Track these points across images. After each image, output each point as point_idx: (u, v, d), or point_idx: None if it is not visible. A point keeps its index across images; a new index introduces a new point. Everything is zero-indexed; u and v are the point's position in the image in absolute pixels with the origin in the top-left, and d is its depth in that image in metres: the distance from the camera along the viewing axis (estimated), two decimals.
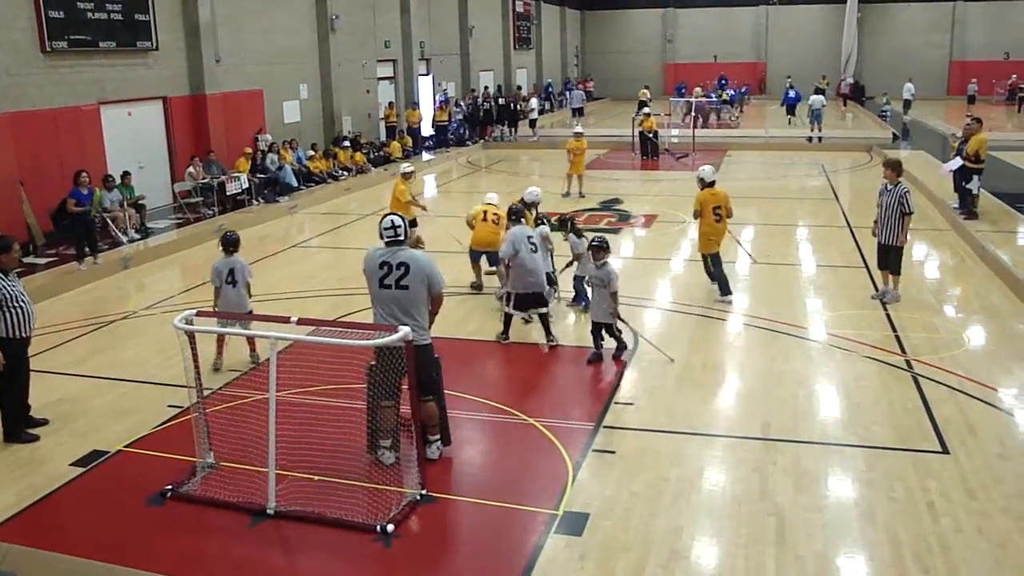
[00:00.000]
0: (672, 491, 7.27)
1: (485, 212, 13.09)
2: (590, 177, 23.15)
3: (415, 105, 32.68)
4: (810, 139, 32.38)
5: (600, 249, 10.27)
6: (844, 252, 15.35)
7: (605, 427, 8.51)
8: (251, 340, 10.32)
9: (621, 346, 10.40)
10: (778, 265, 14.68)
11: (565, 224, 12.55)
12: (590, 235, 11.28)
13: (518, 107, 35.83)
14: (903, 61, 50.73)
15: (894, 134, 32.35)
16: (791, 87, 38.43)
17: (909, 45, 52.59)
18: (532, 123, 35.12)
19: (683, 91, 42.48)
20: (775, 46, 56.32)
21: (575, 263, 12.08)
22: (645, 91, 40.06)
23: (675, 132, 32.38)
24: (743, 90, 47.99)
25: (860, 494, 7.18)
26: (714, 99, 39.96)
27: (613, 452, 7.98)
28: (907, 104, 40.31)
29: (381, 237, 7.59)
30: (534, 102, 35.75)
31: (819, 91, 35.74)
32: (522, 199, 12.82)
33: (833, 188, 22.66)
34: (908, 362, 10.05)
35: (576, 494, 7.24)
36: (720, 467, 7.74)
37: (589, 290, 10.84)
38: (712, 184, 12.83)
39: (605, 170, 26.31)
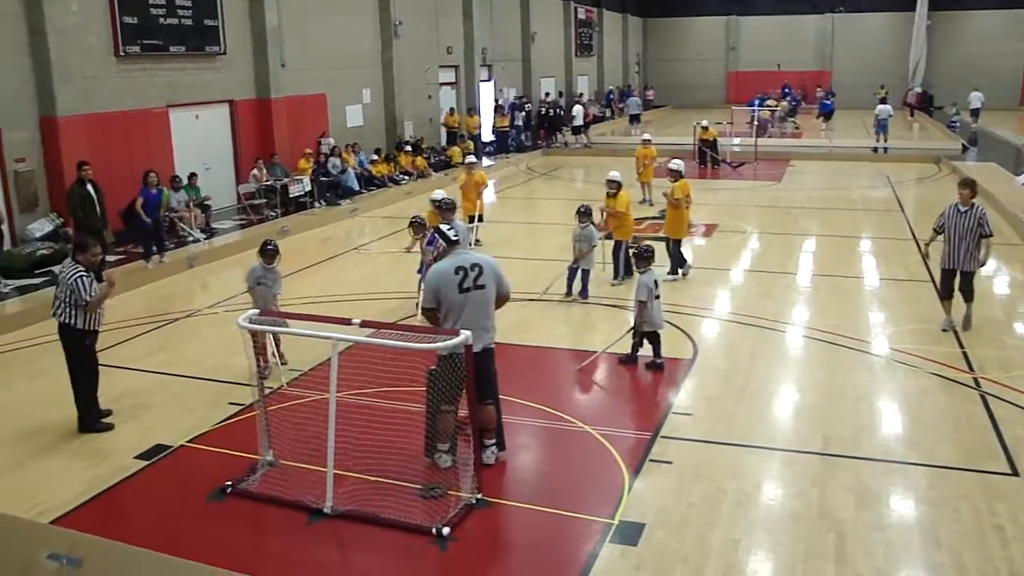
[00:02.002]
0: (729, 503, 7.20)
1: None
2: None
3: (476, 111, 32.84)
4: (875, 150, 31.87)
5: (641, 257, 10.45)
6: (909, 266, 15.05)
7: (663, 437, 8.45)
8: (277, 344, 10.33)
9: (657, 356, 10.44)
10: (840, 277, 14.44)
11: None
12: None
13: (558, 114, 35.87)
14: (973, 70, 49.33)
15: (963, 145, 31.68)
16: (828, 95, 38.09)
17: (980, 53, 51.15)
18: (576, 130, 34.97)
19: (760, 102, 41.37)
20: (841, 54, 55.33)
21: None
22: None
23: (736, 141, 32.10)
24: (800, 97, 47.43)
25: (923, 514, 7.03)
26: (783, 109, 39.72)
27: (670, 462, 7.92)
28: (975, 113, 39.47)
29: (444, 241, 7.61)
30: (577, 109, 35.72)
31: (883, 100, 35.15)
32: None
33: (899, 200, 22.26)
34: (975, 380, 9.81)
35: (632, 503, 7.20)
36: (778, 481, 7.64)
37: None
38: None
39: (666, 178, 26.08)
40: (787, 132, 38.42)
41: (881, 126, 32.24)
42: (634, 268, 11.05)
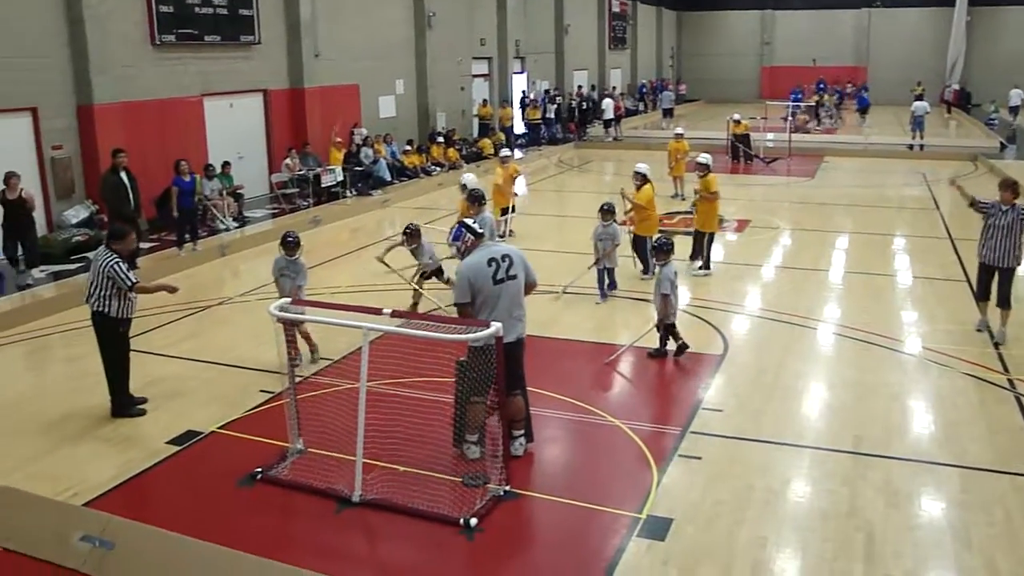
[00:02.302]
0: (758, 501, 7.16)
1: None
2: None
3: (508, 103, 32.82)
4: (911, 147, 31.49)
5: (661, 250, 10.47)
6: (944, 265, 14.88)
7: (692, 432, 8.41)
8: (309, 338, 10.32)
9: (682, 347, 10.51)
10: (874, 275, 14.30)
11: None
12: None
13: (589, 107, 35.75)
14: (1013, 67, 48.43)
15: (1001, 143, 31.26)
16: (863, 90, 37.87)
17: (1020, 50, 50.14)
18: (606, 123, 34.84)
19: (797, 97, 41.10)
20: (877, 50, 54.58)
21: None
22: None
23: (770, 136, 31.86)
24: (847, 91, 46.96)
25: (955, 516, 6.94)
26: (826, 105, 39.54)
27: (699, 458, 7.89)
28: (1014, 111, 38.92)
29: (472, 234, 7.61)
30: (607, 102, 35.59)
31: (919, 97, 34.72)
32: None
33: (934, 198, 21.99)
34: (1010, 381, 9.68)
35: (660, 499, 7.18)
36: (808, 479, 7.58)
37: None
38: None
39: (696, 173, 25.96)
40: (831, 128, 37.99)
41: (917, 123, 31.83)
42: (654, 261, 11.01)
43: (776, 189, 23.71)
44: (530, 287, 7.84)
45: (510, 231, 16.34)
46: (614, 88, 42.02)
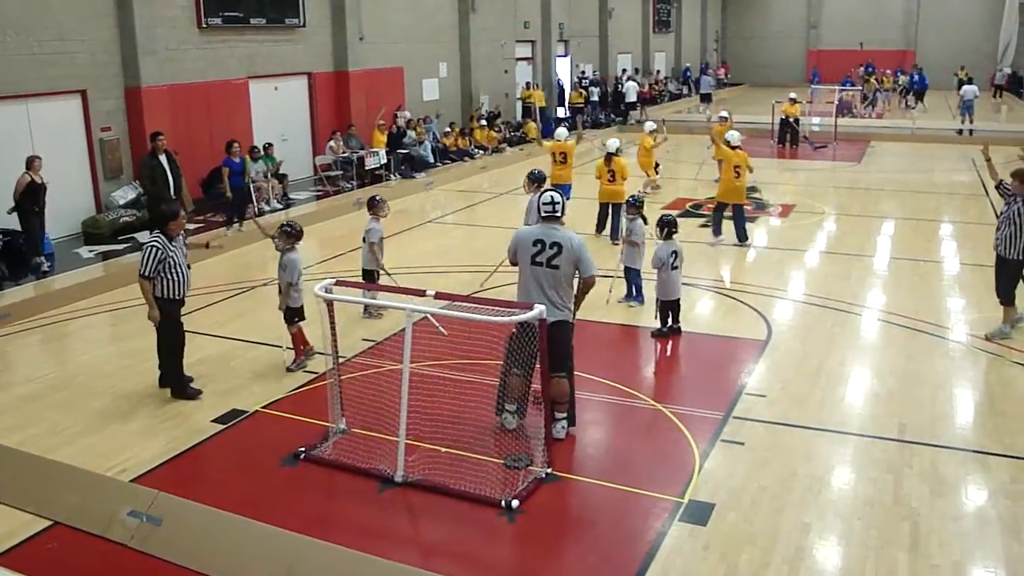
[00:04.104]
0: (801, 487, 7.10)
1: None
2: None
3: (538, 86, 32.70)
4: (960, 131, 30.90)
5: (664, 225, 10.69)
6: (993, 252, 14.55)
7: (735, 417, 8.36)
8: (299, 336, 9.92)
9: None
10: (921, 261, 14.09)
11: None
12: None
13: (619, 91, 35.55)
14: None
15: None
16: (920, 71, 37.31)
17: None
18: (629, 107, 34.51)
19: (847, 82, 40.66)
20: (926, 33, 53.44)
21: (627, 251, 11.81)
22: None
23: (816, 121, 31.43)
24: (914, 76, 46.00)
25: (1003, 507, 6.83)
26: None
27: (742, 443, 7.84)
28: None
29: (538, 211, 7.72)
30: (629, 86, 35.30)
31: (968, 81, 33.97)
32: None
33: (983, 183, 21.54)
34: None
35: (702, 483, 7.15)
36: (852, 466, 7.51)
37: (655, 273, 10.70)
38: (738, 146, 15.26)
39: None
40: (880, 112, 37.35)
41: (967, 107, 31.19)
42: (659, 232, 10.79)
43: (821, 174, 23.40)
44: (586, 283, 7.76)
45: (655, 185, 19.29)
46: (636, 71, 41.52)
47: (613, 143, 15.43)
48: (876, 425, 8.27)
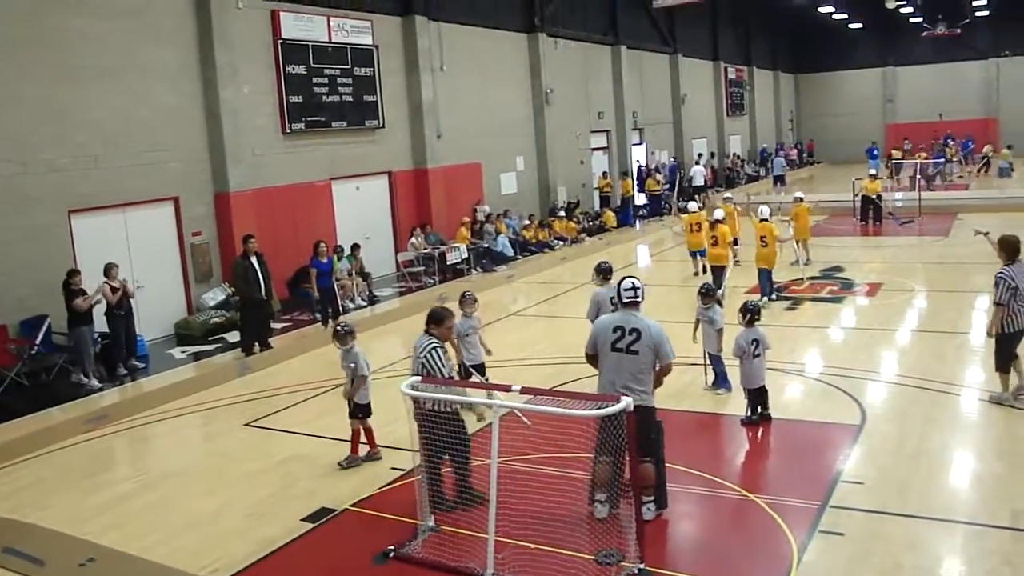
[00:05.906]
0: None
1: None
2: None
3: (627, 175, 32.93)
4: None
5: (753, 313, 10.60)
6: None
7: (832, 507, 8.07)
8: (370, 437, 10.10)
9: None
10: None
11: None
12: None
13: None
14: None
15: None
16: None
17: None
18: (696, 191, 33.91)
19: (875, 152, 41.66)
20: (1008, 101, 52.48)
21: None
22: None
23: (899, 196, 30.96)
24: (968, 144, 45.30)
25: None
26: (941, 159, 38.20)
27: (841, 534, 7.54)
28: None
29: (620, 299, 7.73)
30: (696, 170, 35.32)
31: None
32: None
33: None
34: None
35: None
36: (963, 557, 7.16)
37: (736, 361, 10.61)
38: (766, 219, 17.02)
39: (825, 236, 25.38)
40: (953, 184, 36.76)
41: None
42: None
43: (908, 250, 22.94)
44: (664, 369, 7.76)
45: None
46: (700, 155, 41.29)
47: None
48: (986, 512, 7.87)
